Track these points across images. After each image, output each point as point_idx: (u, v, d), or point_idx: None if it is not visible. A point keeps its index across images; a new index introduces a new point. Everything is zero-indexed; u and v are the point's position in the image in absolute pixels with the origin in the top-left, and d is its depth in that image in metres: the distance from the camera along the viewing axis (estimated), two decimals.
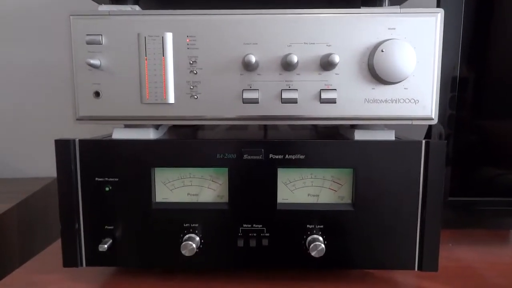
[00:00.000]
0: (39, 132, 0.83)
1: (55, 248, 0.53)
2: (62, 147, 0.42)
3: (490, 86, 0.55)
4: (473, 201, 0.56)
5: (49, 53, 0.80)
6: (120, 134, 0.44)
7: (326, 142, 0.42)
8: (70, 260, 0.43)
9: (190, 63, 0.41)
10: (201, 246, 0.43)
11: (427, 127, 0.56)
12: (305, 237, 0.43)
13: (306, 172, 0.44)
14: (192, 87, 0.42)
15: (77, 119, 0.43)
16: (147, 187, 0.43)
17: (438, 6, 0.51)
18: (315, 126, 0.63)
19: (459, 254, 0.54)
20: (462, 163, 0.55)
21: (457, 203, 0.56)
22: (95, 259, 0.43)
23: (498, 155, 0.57)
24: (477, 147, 0.56)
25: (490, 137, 0.56)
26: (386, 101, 0.41)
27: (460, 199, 0.56)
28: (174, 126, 0.59)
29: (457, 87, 0.54)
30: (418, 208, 0.42)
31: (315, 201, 0.44)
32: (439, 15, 0.40)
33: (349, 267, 0.44)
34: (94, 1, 0.49)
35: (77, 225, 0.43)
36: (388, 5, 0.45)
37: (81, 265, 0.43)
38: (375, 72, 0.40)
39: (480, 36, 0.54)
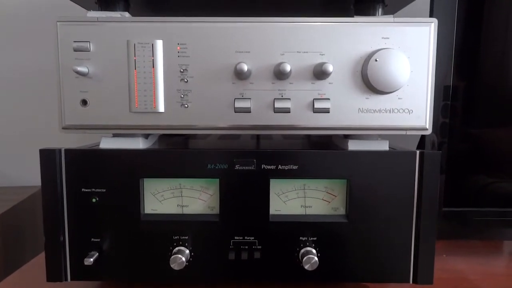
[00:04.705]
0: (26, 140, 0.81)
1: (41, 260, 0.51)
2: (47, 156, 0.40)
3: (482, 95, 0.55)
4: (467, 212, 0.56)
5: (37, 59, 0.79)
6: (108, 143, 0.43)
7: (320, 152, 0.41)
8: (54, 274, 0.41)
9: (180, 71, 0.40)
10: (191, 259, 0.42)
11: (420, 136, 0.56)
12: (298, 249, 0.42)
13: (299, 183, 0.43)
14: (182, 95, 0.41)
15: (63, 128, 0.41)
16: (136, 198, 0.41)
17: (431, 15, 0.51)
18: (308, 136, 0.62)
19: (453, 265, 0.53)
20: (455, 173, 0.55)
21: (450, 214, 0.55)
22: (80, 273, 0.42)
23: (491, 164, 0.56)
24: (470, 155, 0.56)
25: (483, 146, 0.56)
26: (380, 110, 0.41)
27: (454, 209, 0.55)
28: (164, 135, 0.58)
29: (450, 96, 0.53)
30: (412, 219, 0.41)
31: (308, 213, 0.43)
32: (433, 24, 0.40)
33: (343, 280, 0.43)
34: (83, 7, 0.48)
35: (62, 238, 0.41)
36: (382, 15, 0.45)
37: (66, 279, 0.42)
38: (369, 81, 0.39)
39: (472, 45, 0.54)
